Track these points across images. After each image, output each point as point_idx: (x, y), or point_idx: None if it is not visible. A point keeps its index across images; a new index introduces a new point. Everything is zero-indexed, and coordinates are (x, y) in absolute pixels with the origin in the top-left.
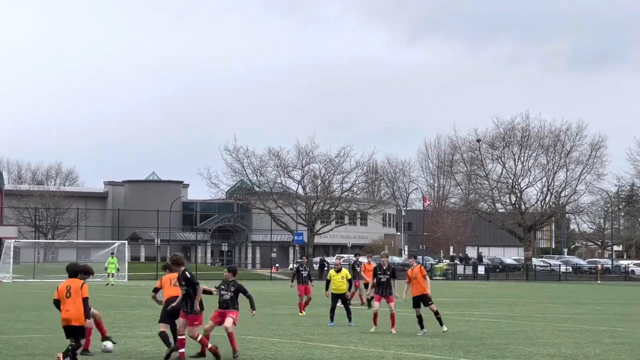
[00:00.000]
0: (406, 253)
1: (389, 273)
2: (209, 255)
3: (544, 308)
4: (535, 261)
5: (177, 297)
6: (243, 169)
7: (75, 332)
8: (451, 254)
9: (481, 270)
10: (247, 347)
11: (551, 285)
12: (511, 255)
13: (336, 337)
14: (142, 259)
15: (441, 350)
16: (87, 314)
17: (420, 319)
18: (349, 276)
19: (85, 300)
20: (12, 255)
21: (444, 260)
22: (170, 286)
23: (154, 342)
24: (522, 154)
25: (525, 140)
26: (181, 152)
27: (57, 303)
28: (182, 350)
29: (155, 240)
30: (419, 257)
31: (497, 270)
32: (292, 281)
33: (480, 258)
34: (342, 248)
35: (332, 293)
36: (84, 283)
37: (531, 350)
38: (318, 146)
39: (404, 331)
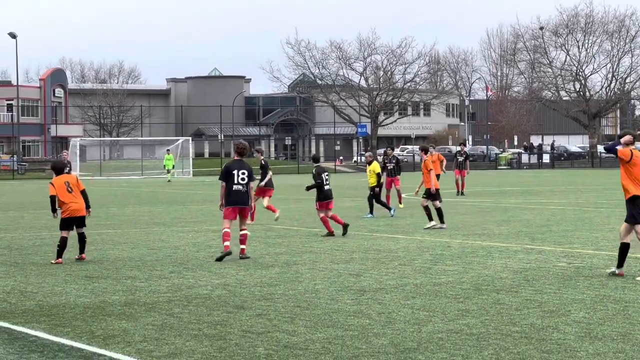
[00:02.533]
0: (470, 143)
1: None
2: (272, 149)
3: (610, 195)
4: (601, 148)
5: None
6: (305, 62)
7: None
8: (515, 143)
9: (546, 158)
10: (313, 240)
11: (617, 172)
12: (576, 143)
13: (402, 228)
14: (206, 155)
15: (507, 238)
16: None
17: (439, 211)
18: (378, 169)
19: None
20: (78, 154)
21: (508, 150)
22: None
23: (221, 236)
24: (586, 41)
25: (589, 27)
26: (243, 47)
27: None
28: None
29: (219, 136)
30: (485, 147)
31: (562, 158)
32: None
33: (552, 146)
34: (405, 139)
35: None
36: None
37: (597, 236)
38: (379, 37)
39: (468, 221)
